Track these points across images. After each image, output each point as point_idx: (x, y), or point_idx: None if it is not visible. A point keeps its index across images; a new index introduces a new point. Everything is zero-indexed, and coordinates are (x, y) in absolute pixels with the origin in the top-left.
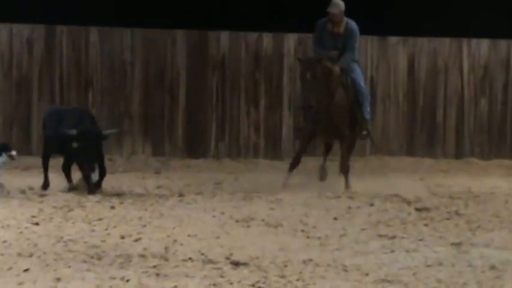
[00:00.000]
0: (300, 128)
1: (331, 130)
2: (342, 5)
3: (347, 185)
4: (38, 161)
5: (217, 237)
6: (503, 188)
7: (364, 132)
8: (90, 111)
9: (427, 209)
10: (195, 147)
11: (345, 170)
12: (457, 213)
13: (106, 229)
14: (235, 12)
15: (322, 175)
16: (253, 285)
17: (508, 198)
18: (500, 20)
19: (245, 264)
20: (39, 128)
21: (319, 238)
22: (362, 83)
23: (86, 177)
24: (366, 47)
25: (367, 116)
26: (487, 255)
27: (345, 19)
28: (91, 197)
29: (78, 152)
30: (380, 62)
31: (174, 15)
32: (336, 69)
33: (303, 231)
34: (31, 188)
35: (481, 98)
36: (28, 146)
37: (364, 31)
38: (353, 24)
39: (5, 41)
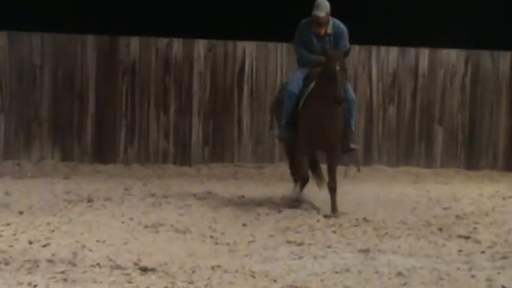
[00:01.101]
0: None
1: (327, 140)
2: (328, 6)
3: (334, 206)
4: None
5: (126, 243)
6: (411, 195)
7: (355, 146)
8: None
9: (335, 216)
10: (104, 153)
11: (334, 188)
12: (365, 220)
13: (14, 234)
14: (146, 18)
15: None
16: None
17: (416, 205)
18: (409, 28)
19: (153, 270)
20: None
21: (227, 244)
22: (352, 93)
23: None
24: (275, 53)
25: (353, 129)
26: (394, 262)
27: (331, 19)
28: None
29: None
30: (290, 69)
31: (84, 21)
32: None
33: (211, 237)
34: None
35: (389, 105)
36: None
37: (273, 38)
38: (341, 23)
39: None
